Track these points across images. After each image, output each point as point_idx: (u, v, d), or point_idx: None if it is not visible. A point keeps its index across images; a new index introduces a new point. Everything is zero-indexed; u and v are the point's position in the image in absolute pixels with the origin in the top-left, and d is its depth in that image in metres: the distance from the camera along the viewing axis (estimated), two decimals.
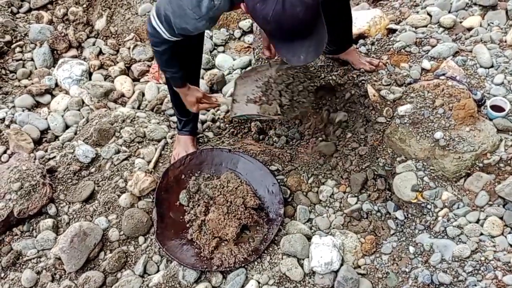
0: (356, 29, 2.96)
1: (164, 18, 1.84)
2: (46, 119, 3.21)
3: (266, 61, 2.41)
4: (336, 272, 2.09)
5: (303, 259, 2.16)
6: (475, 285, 1.83)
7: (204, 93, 2.37)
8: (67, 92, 3.46)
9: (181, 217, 2.33)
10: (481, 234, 1.99)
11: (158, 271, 2.24)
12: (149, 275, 2.23)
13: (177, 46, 2.02)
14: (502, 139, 2.18)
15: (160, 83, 3.46)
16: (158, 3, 1.89)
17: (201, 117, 2.98)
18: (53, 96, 3.45)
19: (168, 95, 3.24)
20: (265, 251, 2.22)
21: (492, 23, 2.78)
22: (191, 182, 2.38)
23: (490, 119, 2.25)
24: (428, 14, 2.92)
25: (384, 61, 2.67)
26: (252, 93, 2.28)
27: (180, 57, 2.14)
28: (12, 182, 2.46)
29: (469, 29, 2.80)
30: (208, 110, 3.08)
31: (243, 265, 2.17)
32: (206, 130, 2.96)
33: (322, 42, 1.72)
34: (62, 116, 3.23)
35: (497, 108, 2.25)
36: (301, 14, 1.56)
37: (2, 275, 2.35)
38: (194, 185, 2.36)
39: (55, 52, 3.78)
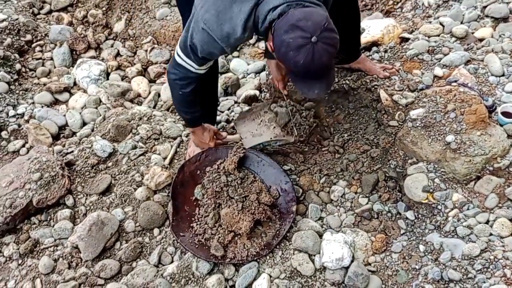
0: (369, 37, 3.04)
1: (190, 48, 1.96)
2: (64, 115, 3.30)
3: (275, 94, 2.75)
4: (346, 268, 2.13)
5: (314, 255, 2.21)
6: (484, 282, 1.87)
7: (216, 129, 2.61)
8: (85, 91, 3.55)
9: (195, 211, 2.39)
10: (491, 234, 2.03)
11: (172, 262, 2.29)
12: (163, 265, 2.28)
13: (200, 83, 2.18)
14: None
15: None
16: (180, 42, 2.02)
17: None
18: (71, 94, 3.55)
19: None
20: (277, 246, 2.27)
21: (504, 35, 2.85)
22: (206, 178, 2.44)
23: (501, 125, 2.30)
24: (441, 24, 3.00)
25: (397, 67, 2.74)
26: (255, 129, 2.64)
27: (200, 93, 2.30)
28: (32, 172, 2.53)
29: (481, 40, 2.87)
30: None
31: (255, 258, 2.23)
32: (221, 130, 3.02)
33: (332, 80, 1.97)
34: (80, 113, 3.31)
35: (507, 114, 2.31)
36: (325, 62, 1.75)
37: (20, 261, 2.40)
38: (209, 180, 2.42)
39: (74, 52, 3.89)
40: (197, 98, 2.27)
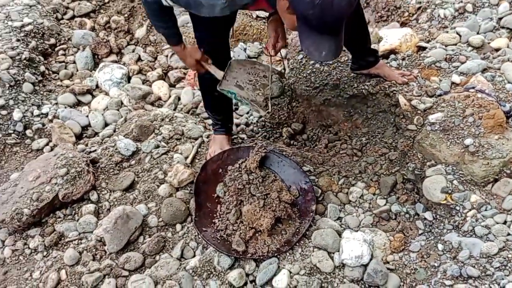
0: (387, 45, 3.11)
1: None
2: (87, 116, 3.40)
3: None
4: (365, 266, 2.17)
5: (334, 253, 2.26)
6: (503, 279, 1.92)
7: (202, 55, 2.35)
8: (107, 93, 3.65)
9: (217, 208, 2.45)
10: (508, 234, 2.07)
11: (194, 256, 2.35)
12: (185, 259, 2.34)
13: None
14: None
15: (195, 90, 3.63)
16: None
17: (235, 120, 3.12)
18: (93, 96, 3.65)
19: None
20: (297, 244, 2.32)
21: None
22: (228, 176, 2.50)
23: None
24: (458, 33, 3.07)
25: (415, 74, 2.81)
26: (242, 81, 2.44)
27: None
28: (59, 168, 2.61)
29: (497, 50, 2.93)
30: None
31: (275, 254, 2.27)
32: (240, 132, 3.10)
33: (341, 47, 1.86)
34: (102, 114, 3.40)
35: None
36: (343, 9, 1.67)
37: (45, 253, 2.47)
38: (231, 178, 2.48)
39: (96, 56, 4.00)
40: (165, 11, 2.09)
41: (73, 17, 4.36)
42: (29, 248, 2.52)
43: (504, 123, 2.32)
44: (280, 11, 1.91)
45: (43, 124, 3.28)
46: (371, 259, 2.18)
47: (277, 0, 1.86)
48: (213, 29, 2.27)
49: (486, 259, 2.02)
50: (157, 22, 2.20)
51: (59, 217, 2.59)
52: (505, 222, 2.12)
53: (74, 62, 3.94)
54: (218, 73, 2.41)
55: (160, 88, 3.66)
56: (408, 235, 2.34)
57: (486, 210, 2.18)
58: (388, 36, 3.17)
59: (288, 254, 2.29)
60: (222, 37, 2.42)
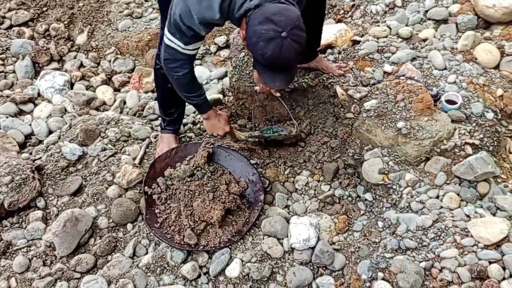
0: (324, 40, 3.25)
1: (174, 24, 2.02)
2: (30, 125, 3.33)
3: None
4: (313, 248, 2.27)
5: (283, 239, 2.34)
6: (437, 248, 2.06)
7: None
8: (49, 101, 3.59)
9: (168, 204, 2.48)
10: (441, 207, 2.23)
11: (146, 253, 2.37)
12: (138, 257, 2.36)
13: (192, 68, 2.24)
14: (456, 128, 2.47)
15: (140, 93, 3.65)
16: (167, 22, 2.08)
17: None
18: (35, 105, 3.57)
19: (149, 102, 3.45)
20: (247, 233, 2.40)
21: (444, 35, 3.12)
22: (180, 169, 2.54)
23: (445, 111, 2.54)
24: (388, 26, 3.25)
25: (351, 66, 2.96)
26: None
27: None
28: (3, 176, 2.57)
29: (424, 40, 3.13)
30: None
31: (227, 245, 2.34)
32: (188, 131, 3.14)
33: (293, 76, 2.23)
34: (46, 122, 3.35)
35: (450, 102, 2.55)
36: (291, 57, 1.89)
37: None
38: (184, 171, 2.52)
39: (36, 65, 3.93)
40: (193, 81, 2.30)
41: (10, 26, 4.26)
42: None
43: (432, 105, 2.50)
44: (241, 36, 2.07)
45: None
46: (318, 241, 2.28)
47: (240, 29, 2.02)
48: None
49: (422, 231, 2.17)
50: (191, 94, 2.37)
51: (6, 226, 2.55)
52: (437, 197, 2.28)
53: (14, 72, 3.86)
54: (243, 134, 2.77)
55: (104, 93, 3.65)
56: (351, 216, 2.47)
57: (420, 187, 2.34)
58: (325, 32, 3.30)
59: (239, 243, 2.36)
60: None
